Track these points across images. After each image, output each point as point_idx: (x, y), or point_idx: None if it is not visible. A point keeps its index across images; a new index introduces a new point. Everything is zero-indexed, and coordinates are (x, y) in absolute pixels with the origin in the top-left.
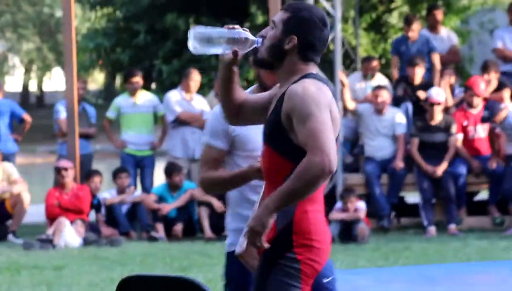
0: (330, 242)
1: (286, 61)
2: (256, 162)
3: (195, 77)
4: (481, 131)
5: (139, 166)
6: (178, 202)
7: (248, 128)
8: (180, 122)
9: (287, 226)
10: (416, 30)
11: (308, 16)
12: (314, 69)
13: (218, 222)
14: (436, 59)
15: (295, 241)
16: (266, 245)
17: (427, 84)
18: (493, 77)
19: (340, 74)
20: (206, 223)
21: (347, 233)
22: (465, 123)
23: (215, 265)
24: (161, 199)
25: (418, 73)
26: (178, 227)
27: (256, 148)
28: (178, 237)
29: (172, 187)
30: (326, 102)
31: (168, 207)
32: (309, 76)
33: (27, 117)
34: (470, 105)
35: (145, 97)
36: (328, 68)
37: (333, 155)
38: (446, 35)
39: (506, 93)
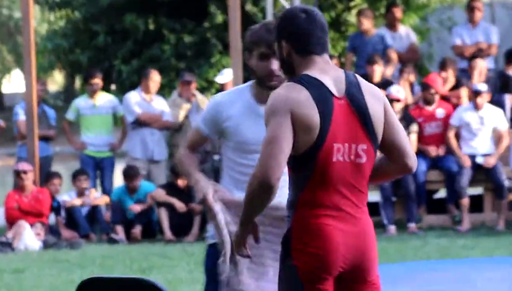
0: (333, 246)
1: (295, 66)
2: (207, 193)
3: (155, 78)
4: (436, 128)
5: (98, 167)
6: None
7: (241, 121)
8: (139, 123)
9: (288, 232)
10: (369, 24)
11: (283, 15)
12: (315, 63)
13: (179, 223)
14: (392, 54)
15: (294, 247)
16: (247, 253)
17: (386, 82)
18: (451, 75)
19: None
20: (166, 225)
21: None
22: (420, 120)
23: (175, 267)
24: (120, 202)
25: (377, 71)
26: (137, 229)
27: (247, 141)
28: (138, 239)
29: (130, 189)
30: (284, 108)
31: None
32: (296, 80)
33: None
34: (426, 102)
35: (104, 99)
36: None
37: (270, 167)
38: (405, 33)
39: (463, 91)
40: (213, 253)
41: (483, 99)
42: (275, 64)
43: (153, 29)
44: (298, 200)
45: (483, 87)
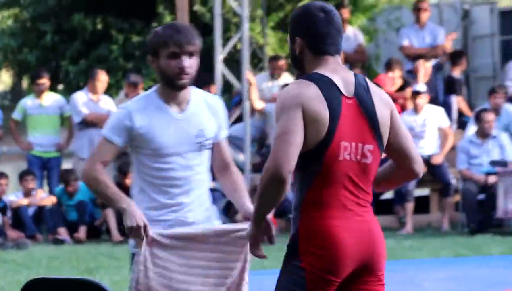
0: (342, 248)
1: (306, 63)
2: (141, 222)
3: (102, 78)
4: None
5: (45, 167)
6: None
7: (154, 128)
8: (86, 123)
9: (295, 233)
10: None
11: (301, 12)
12: (327, 62)
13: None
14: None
15: (301, 248)
16: (262, 254)
17: None
18: (397, 76)
19: (247, 73)
20: (113, 226)
21: None
22: None
23: (121, 267)
24: (60, 203)
25: None
26: (81, 230)
27: (162, 146)
28: (82, 240)
29: (69, 192)
30: (295, 103)
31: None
32: (306, 76)
33: None
34: None
35: (51, 99)
36: (235, 68)
37: (282, 159)
38: (352, 33)
39: (409, 92)
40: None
41: (423, 100)
42: (186, 62)
43: (101, 29)
44: (304, 198)
45: (422, 87)
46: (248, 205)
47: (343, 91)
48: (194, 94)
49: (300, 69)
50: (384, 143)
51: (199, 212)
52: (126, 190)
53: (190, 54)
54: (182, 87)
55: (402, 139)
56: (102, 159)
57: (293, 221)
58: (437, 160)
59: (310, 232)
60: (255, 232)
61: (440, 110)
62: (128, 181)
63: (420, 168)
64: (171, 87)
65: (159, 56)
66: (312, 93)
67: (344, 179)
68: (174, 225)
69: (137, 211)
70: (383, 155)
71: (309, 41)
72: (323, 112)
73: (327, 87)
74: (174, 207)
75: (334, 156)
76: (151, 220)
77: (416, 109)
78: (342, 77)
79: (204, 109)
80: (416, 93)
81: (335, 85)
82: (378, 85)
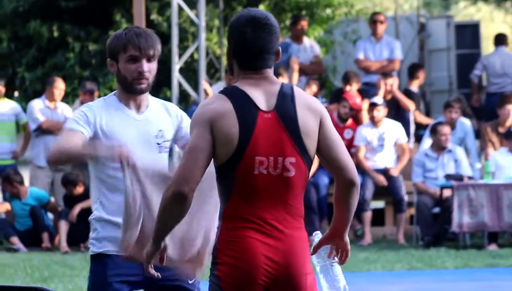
0: (255, 261)
1: (234, 71)
2: (123, 148)
3: (59, 86)
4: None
5: (1, 175)
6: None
7: (115, 127)
8: (43, 131)
9: (215, 244)
10: None
11: (232, 22)
12: (249, 77)
13: (78, 230)
14: (294, 64)
15: (218, 257)
16: (153, 272)
17: None
18: (354, 88)
19: (204, 83)
20: (63, 238)
21: None
22: None
23: (75, 276)
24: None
25: None
26: (45, 237)
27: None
28: (48, 247)
29: (13, 194)
30: (204, 118)
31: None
32: (223, 90)
33: None
34: (341, 118)
35: (7, 106)
36: (192, 77)
37: (184, 176)
38: (309, 45)
39: (364, 104)
40: (99, 271)
41: (380, 113)
42: (145, 66)
43: (57, 36)
44: (224, 211)
45: (378, 100)
46: None
47: (260, 106)
48: (152, 99)
49: (232, 75)
50: (311, 154)
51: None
52: (77, 199)
53: (150, 59)
54: (141, 91)
55: (332, 149)
56: (67, 142)
57: (217, 230)
58: (394, 172)
59: (227, 243)
60: (152, 251)
61: (398, 125)
62: (79, 189)
63: (354, 175)
64: (129, 91)
65: (118, 60)
66: (223, 108)
67: (261, 194)
68: None
69: (109, 144)
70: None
71: (235, 53)
72: (233, 128)
73: (241, 102)
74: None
75: (247, 170)
76: (108, 221)
77: (374, 122)
78: (264, 90)
79: (162, 111)
80: (372, 105)
81: (251, 100)
82: (344, 98)
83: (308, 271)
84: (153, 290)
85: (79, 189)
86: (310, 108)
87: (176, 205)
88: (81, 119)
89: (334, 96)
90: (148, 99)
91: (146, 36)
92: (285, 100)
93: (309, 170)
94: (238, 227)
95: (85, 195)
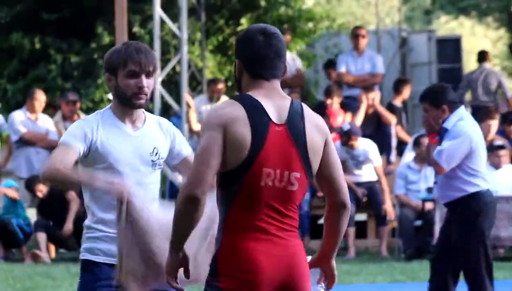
0: (260, 272)
1: (243, 86)
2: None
3: (40, 97)
4: None
5: None
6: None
7: (110, 142)
8: (24, 142)
9: (215, 254)
10: None
11: (243, 34)
12: (261, 86)
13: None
14: None
15: (220, 269)
16: (176, 286)
17: None
18: (336, 102)
19: (186, 96)
20: (43, 248)
21: None
22: None
23: (58, 287)
24: None
25: None
26: (24, 250)
27: (117, 163)
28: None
29: None
30: (217, 122)
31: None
32: (236, 97)
33: None
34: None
35: None
36: (174, 90)
37: (197, 180)
38: (291, 58)
39: (347, 117)
40: (88, 279)
41: (353, 141)
42: (144, 82)
43: (39, 48)
44: (225, 220)
45: (346, 127)
46: None
47: (272, 117)
48: (147, 115)
49: (240, 91)
50: (314, 171)
51: None
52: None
53: (148, 74)
54: (139, 106)
55: (330, 169)
56: (62, 161)
57: (216, 241)
58: (390, 215)
59: (230, 254)
60: (172, 261)
61: (373, 147)
62: (42, 189)
63: (347, 199)
64: (127, 106)
65: (117, 75)
66: (237, 115)
67: (265, 205)
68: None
69: (107, 177)
70: None
71: (246, 64)
72: (246, 136)
73: (255, 111)
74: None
75: (254, 180)
76: (101, 238)
77: (347, 145)
78: (277, 103)
79: (157, 129)
80: (345, 134)
81: (264, 110)
82: (327, 115)
83: (308, 278)
84: None
85: (43, 189)
86: (318, 127)
87: (190, 207)
88: (78, 134)
89: (317, 110)
90: (143, 115)
91: (146, 52)
92: (296, 116)
93: (309, 186)
94: (240, 237)
95: (60, 202)
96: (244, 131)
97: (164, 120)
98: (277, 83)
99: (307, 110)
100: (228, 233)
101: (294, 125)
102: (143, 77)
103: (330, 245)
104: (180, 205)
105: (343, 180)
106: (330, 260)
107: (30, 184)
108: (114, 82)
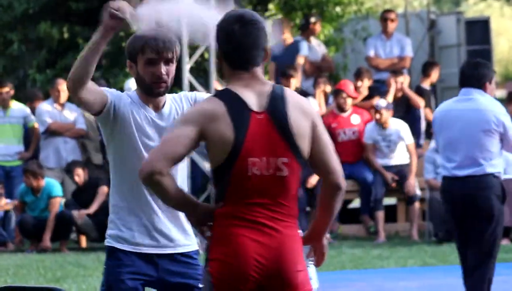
0: (245, 258)
1: (225, 74)
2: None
3: (63, 87)
4: (351, 135)
5: (8, 176)
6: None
7: (134, 119)
8: (51, 133)
9: (208, 241)
10: (288, 33)
11: (220, 22)
12: (240, 77)
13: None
14: (300, 60)
15: (210, 253)
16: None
17: (301, 94)
18: (365, 84)
19: (215, 83)
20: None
21: None
22: (334, 125)
23: (88, 276)
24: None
25: (292, 84)
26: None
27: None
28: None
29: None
30: (194, 119)
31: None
32: (216, 93)
33: None
34: (340, 109)
35: (16, 108)
36: (203, 77)
37: (151, 158)
38: (317, 44)
39: (375, 101)
40: (113, 266)
41: (383, 116)
42: (163, 69)
43: (67, 38)
44: (219, 212)
45: (382, 103)
46: None
47: (253, 107)
48: (169, 97)
49: (222, 78)
50: (303, 154)
51: (170, 219)
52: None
53: (168, 61)
54: (159, 94)
55: (321, 151)
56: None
57: (209, 229)
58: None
59: (219, 240)
60: (193, 218)
61: (404, 126)
62: (40, 183)
63: (341, 180)
64: (148, 94)
65: (137, 62)
66: (217, 112)
67: (255, 194)
68: (141, 227)
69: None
70: None
71: (224, 55)
72: (227, 131)
73: (234, 105)
74: (143, 207)
75: (241, 172)
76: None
77: (378, 124)
78: (256, 91)
79: (178, 104)
80: (376, 109)
81: (244, 102)
82: (340, 89)
83: (300, 268)
84: (165, 290)
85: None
86: (302, 109)
87: (149, 183)
88: (115, 94)
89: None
90: (165, 97)
91: (164, 38)
92: (276, 101)
93: (302, 170)
94: (230, 224)
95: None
96: (225, 127)
97: (181, 94)
98: (257, 71)
99: (290, 94)
100: (220, 221)
101: (276, 111)
102: (162, 64)
103: (322, 225)
104: (148, 188)
105: (335, 161)
106: (321, 238)
107: (70, 167)
108: (135, 69)
